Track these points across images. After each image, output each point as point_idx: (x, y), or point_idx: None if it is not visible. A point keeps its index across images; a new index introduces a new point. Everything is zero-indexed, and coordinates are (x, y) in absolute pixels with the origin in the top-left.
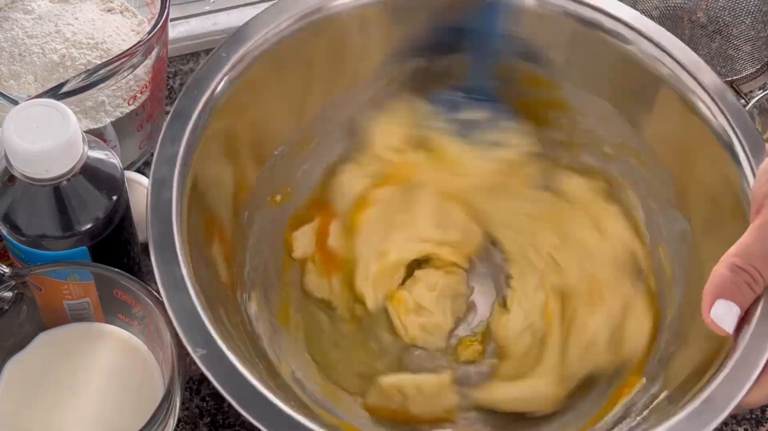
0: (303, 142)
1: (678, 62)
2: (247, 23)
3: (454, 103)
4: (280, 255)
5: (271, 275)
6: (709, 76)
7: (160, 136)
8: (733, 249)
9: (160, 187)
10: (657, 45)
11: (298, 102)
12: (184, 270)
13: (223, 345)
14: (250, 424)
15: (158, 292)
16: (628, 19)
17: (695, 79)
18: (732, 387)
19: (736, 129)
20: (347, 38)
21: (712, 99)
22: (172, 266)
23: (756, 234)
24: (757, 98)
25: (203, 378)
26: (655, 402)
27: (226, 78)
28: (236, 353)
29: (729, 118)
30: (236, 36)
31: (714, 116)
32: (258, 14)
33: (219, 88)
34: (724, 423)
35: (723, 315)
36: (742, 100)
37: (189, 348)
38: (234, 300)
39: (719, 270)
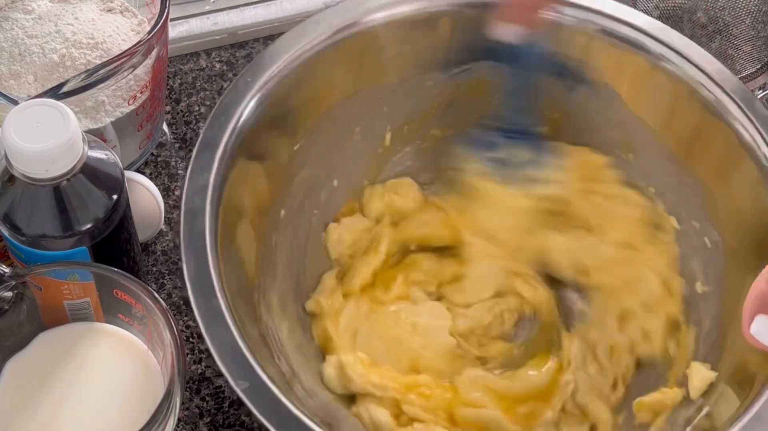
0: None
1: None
2: (267, 48)
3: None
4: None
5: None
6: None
7: (190, 166)
8: None
9: (192, 218)
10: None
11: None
12: (221, 302)
13: (264, 376)
14: (250, 425)
15: (158, 292)
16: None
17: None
18: None
19: None
20: (370, 59)
21: (745, 113)
22: (209, 298)
23: None
24: (757, 98)
25: (203, 378)
26: (698, 418)
27: (252, 103)
28: (277, 382)
29: (764, 134)
30: (259, 60)
31: (751, 135)
32: (278, 39)
33: (245, 114)
34: None
35: (764, 330)
36: None
37: (231, 381)
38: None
39: (758, 285)
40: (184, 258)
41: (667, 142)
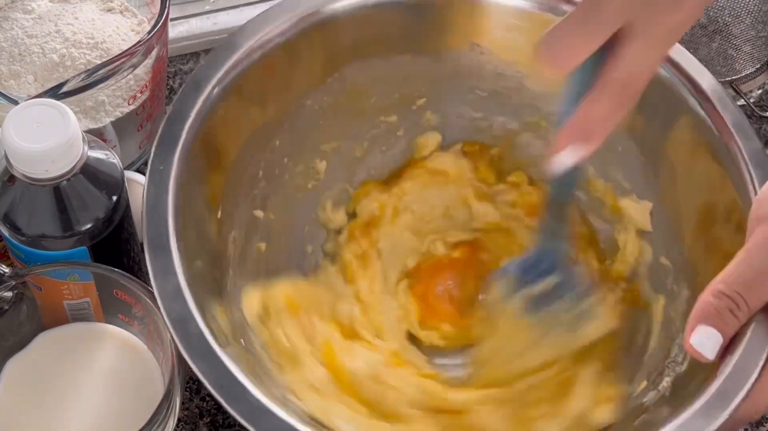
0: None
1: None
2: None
3: None
4: None
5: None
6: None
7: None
8: (720, 275)
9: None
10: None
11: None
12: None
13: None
14: None
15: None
16: None
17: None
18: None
19: (740, 145)
20: (344, 43)
21: (714, 108)
22: (167, 274)
23: (742, 260)
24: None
25: None
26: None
27: (219, 85)
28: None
29: (734, 133)
30: (230, 40)
31: (717, 130)
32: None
33: (214, 93)
34: None
35: (703, 341)
36: (741, 100)
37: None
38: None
39: (703, 296)
40: (144, 230)
41: None
